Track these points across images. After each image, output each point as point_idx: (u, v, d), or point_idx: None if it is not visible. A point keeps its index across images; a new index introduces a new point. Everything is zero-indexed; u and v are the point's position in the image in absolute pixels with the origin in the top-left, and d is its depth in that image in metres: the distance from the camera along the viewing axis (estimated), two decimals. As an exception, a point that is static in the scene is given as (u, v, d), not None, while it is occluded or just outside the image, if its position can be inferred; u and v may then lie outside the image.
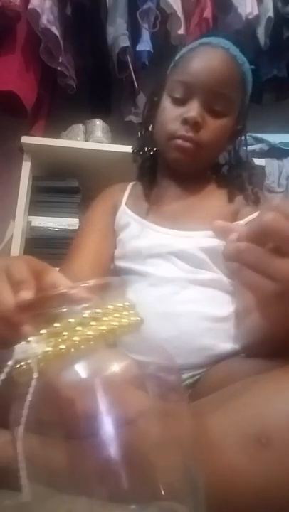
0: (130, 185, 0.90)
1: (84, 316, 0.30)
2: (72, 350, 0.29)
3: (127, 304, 0.33)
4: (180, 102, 0.75)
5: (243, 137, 0.87)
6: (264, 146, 1.31)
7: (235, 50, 0.76)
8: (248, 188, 0.81)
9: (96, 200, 0.90)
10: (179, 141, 0.74)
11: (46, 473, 0.28)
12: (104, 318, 0.30)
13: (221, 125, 0.75)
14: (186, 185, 0.82)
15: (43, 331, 0.30)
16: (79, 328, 0.29)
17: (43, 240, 1.23)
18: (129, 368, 0.30)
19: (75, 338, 0.29)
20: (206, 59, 0.75)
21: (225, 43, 0.76)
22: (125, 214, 0.84)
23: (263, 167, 1.26)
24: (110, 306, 0.32)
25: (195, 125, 0.73)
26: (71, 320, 0.30)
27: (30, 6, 1.15)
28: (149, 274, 0.73)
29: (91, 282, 0.32)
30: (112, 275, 0.84)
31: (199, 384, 0.65)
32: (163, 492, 0.27)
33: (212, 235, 0.73)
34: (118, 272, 0.81)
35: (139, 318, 0.33)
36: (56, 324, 0.30)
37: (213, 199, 0.81)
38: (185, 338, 0.66)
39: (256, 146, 1.31)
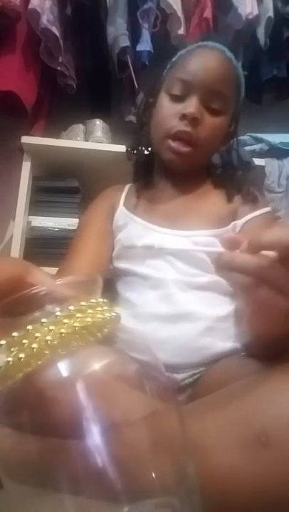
0: (128, 186, 0.91)
1: (42, 321, 0.29)
2: (33, 358, 0.28)
3: (90, 303, 0.32)
4: (178, 99, 0.76)
5: (235, 139, 0.88)
6: (264, 146, 1.31)
7: (229, 53, 0.79)
8: (245, 188, 0.82)
9: (94, 201, 0.91)
10: (174, 144, 0.75)
11: (35, 474, 0.28)
12: (65, 321, 0.30)
13: (218, 123, 0.77)
14: (183, 184, 0.82)
15: (2, 342, 0.29)
16: (38, 334, 0.29)
17: (43, 239, 1.23)
18: (112, 367, 0.29)
19: (34, 346, 0.28)
20: (204, 59, 0.77)
21: (220, 46, 0.79)
22: (123, 214, 0.84)
23: (262, 167, 1.26)
24: (71, 307, 0.31)
25: (193, 121, 0.73)
26: (29, 327, 0.29)
27: (30, 6, 1.15)
28: (149, 277, 0.74)
29: (63, 281, 0.32)
30: (112, 276, 0.84)
31: (199, 383, 0.65)
32: (155, 490, 0.27)
33: (211, 234, 0.74)
34: (117, 272, 0.81)
35: (106, 316, 0.32)
36: (15, 333, 0.29)
37: (211, 198, 0.82)
38: (185, 338, 0.66)
39: (256, 146, 1.31)
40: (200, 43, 0.80)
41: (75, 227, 1.23)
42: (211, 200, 0.81)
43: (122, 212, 0.84)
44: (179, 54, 0.82)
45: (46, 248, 1.21)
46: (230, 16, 1.28)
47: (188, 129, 0.74)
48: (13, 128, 1.31)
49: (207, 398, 0.42)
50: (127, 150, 0.93)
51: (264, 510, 0.34)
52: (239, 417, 0.36)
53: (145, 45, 1.24)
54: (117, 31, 1.22)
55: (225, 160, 0.88)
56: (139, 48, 1.24)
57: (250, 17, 1.27)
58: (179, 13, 1.25)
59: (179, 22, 1.26)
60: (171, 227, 0.77)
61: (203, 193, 0.83)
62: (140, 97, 1.40)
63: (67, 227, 1.24)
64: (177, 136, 0.75)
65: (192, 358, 0.66)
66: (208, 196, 0.82)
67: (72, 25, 1.25)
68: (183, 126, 0.74)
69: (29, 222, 1.24)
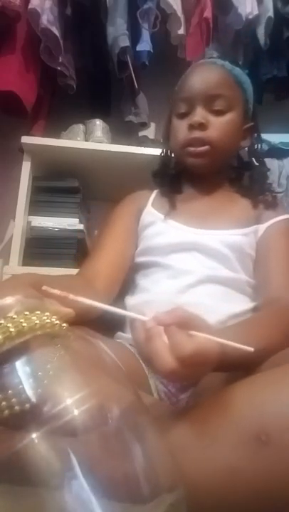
0: (155, 191, 0.95)
1: None
2: None
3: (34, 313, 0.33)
4: (185, 116, 0.84)
5: (258, 145, 0.94)
6: (264, 146, 1.31)
7: (222, 62, 0.86)
8: (267, 194, 0.88)
9: (120, 203, 0.93)
10: (191, 149, 0.82)
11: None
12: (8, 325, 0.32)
13: (226, 121, 0.83)
14: (210, 189, 0.88)
15: None
16: None
17: (43, 239, 1.22)
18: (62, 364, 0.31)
19: None
20: (197, 72, 0.86)
21: (213, 60, 0.87)
22: (150, 214, 0.87)
23: (262, 167, 1.26)
24: (14, 315, 0.32)
25: (200, 126, 0.80)
26: None
27: (30, 6, 1.15)
28: (170, 267, 0.77)
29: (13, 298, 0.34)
30: (130, 273, 0.85)
31: (201, 382, 0.65)
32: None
33: (236, 233, 0.79)
34: (137, 267, 0.83)
35: (47, 323, 0.34)
36: None
37: (237, 204, 0.87)
38: None
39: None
40: (192, 65, 0.90)
41: (75, 227, 1.23)
42: (237, 205, 0.86)
43: (149, 212, 0.88)
44: (181, 79, 0.89)
45: (46, 248, 1.20)
46: (230, 16, 1.28)
47: (198, 134, 0.81)
48: (13, 128, 1.31)
49: (207, 397, 0.42)
50: (154, 173, 0.99)
51: (264, 509, 0.34)
52: (239, 416, 0.36)
53: (145, 45, 1.24)
54: (117, 31, 1.22)
55: (250, 160, 0.94)
56: (139, 47, 1.24)
57: (250, 17, 1.27)
58: (179, 13, 1.25)
59: (179, 22, 1.26)
60: (198, 226, 0.81)
61: (229, 200, 0.88)
62: (140, 97, 1.41)
63: (67, 227, 1.24)
64: (192, 142, 0.82)
65: None
66: (234, 202, 0.87)
67: (72, 25, 1.25)
68: (193, 134, 0.81)
69: (29, 222, 1.24)
